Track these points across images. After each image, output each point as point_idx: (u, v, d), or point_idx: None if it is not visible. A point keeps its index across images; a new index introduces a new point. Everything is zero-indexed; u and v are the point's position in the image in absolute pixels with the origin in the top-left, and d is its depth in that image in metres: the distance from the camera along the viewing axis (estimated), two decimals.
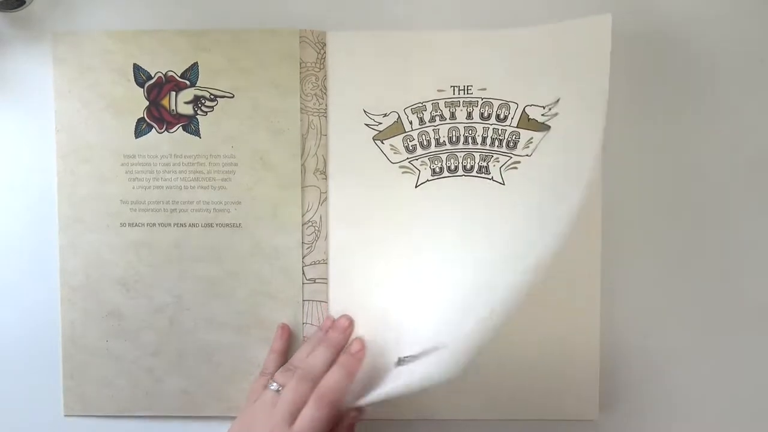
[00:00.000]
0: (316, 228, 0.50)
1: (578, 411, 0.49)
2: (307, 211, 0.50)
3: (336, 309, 0.50)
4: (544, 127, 0.49)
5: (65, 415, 0.51)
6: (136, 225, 0.50)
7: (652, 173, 0.50)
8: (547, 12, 0.50)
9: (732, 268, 0.50)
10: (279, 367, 0.48)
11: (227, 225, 0.50)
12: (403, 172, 0.50)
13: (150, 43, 0.50)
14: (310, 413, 0.43)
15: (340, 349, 0.48)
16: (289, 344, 0.50)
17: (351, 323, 0.49)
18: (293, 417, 0.43)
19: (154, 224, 0.50)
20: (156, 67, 0.50)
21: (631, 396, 0.51)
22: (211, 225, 0.50)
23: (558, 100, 0.49)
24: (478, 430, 0.50)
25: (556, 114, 0.49)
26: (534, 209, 0.49)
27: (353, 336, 0.49)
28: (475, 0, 0.50)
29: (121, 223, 0.50)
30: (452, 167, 0.50)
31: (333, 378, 0.45)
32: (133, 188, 0.50)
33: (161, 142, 0.50)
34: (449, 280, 0.49)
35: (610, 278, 0.50)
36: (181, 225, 0.50)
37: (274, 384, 0.46)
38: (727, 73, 0.50)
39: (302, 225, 0.50)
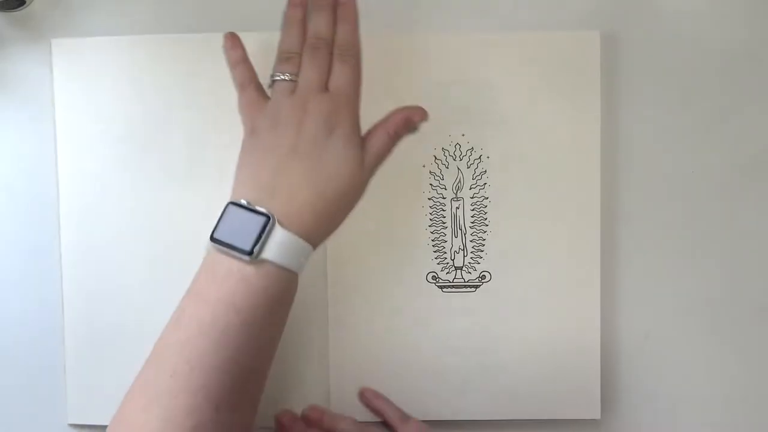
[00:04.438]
0: None
1: (581, 410, 0.50)
2: None
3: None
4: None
5: (69, 424, 0.50)
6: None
7: (651, 173, 0.51)
8: (547, 12, 0.50)
9: (733, 268, 0.51)
10: (255, 76, 0.43)
11: None
12: None
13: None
14: (339, 68, 0.40)
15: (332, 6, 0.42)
16: (244, 49, 0.45)
17: None
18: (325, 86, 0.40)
19: None
20: None
21: (634, 395, 0.51)
22: None
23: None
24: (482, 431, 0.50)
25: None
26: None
27: None
28: (475, 2, 0.51)
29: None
30: None
31: (344, 36, 0.41)
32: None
33: None
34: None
35: (610, 278, 0.50)
36: None
37: (279, 75, 0.40)
38: (728, 73, 0.51)
39: None
